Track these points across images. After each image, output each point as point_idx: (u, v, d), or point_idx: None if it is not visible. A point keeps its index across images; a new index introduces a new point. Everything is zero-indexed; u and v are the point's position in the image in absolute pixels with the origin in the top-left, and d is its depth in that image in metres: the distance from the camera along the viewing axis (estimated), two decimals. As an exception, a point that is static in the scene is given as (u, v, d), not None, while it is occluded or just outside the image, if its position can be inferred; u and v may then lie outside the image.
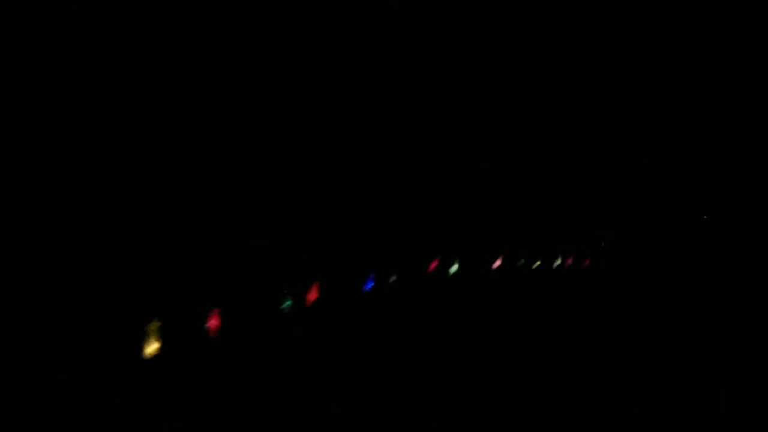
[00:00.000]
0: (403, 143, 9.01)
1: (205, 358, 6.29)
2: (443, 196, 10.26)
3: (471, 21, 8.87)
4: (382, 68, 7.84)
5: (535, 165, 12.18)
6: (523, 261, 12.01)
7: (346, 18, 7.49)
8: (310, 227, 7.91)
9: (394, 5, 8.02)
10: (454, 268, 10.47)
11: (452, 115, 9.58)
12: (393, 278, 9.01)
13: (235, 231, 7.00)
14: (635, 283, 13.35)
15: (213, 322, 6.42)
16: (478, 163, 10.92)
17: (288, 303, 7.20)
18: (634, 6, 10.02)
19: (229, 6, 6.22)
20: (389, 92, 8.20)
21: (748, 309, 10.89)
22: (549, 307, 10.76)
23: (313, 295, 7.65)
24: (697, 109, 12.54)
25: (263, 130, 6.79)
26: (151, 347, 5.88)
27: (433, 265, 9.95)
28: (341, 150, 8.10)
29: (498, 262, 11.56)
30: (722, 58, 11.32)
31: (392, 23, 8.08)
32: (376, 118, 8.20)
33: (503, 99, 10.32)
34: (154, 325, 5.94)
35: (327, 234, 8.15)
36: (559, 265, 13.05)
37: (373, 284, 8.38)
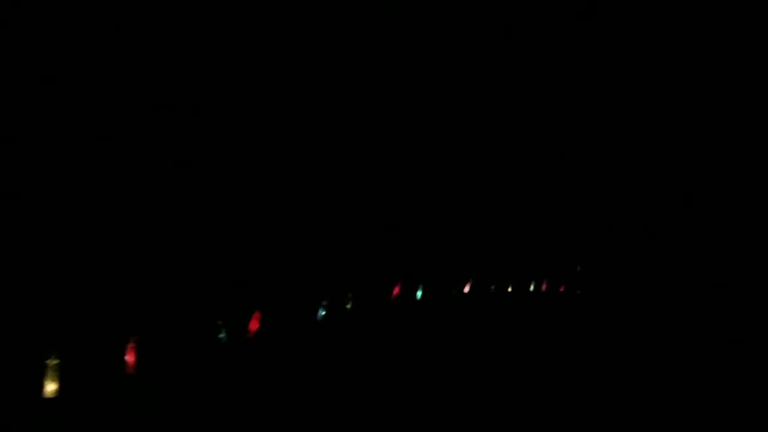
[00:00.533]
0: (363, 158, 8.36)
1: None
2: (407, 215, 9.24)
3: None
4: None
5: (508, 185, 11.55)
6: (494, 286, 11.21)
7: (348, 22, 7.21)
8: (257, 248, 7.01)
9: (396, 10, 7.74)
10: (419, 293, 9.41)
11: (416, 133, 9.03)
12: (349, 305, 7.94)
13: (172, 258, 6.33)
14: (613, 310, 12.65)
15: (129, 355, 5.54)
16: (444, 180, 10.14)
17: (223, 335, 6.12)
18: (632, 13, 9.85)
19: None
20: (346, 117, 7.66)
21: (732, 336, 10.48)
22: (522, 335, 10.03)
23: (254, 325, 6.57)
24: (670, 135, 12.32)
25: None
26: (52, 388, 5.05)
27: (396, 290, 8.90)
28: (292, 163, 7.44)
29: (467, 287, 10.57)
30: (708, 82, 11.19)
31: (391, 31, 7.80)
32: (332, 137, 7.62)
33: (474, 119, 9.89)
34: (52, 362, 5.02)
35: (275, 257, 7.11)
36: (533, 291, 12.16)
37: (324, 312, 7.28)
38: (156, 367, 5.63)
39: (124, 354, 5.42)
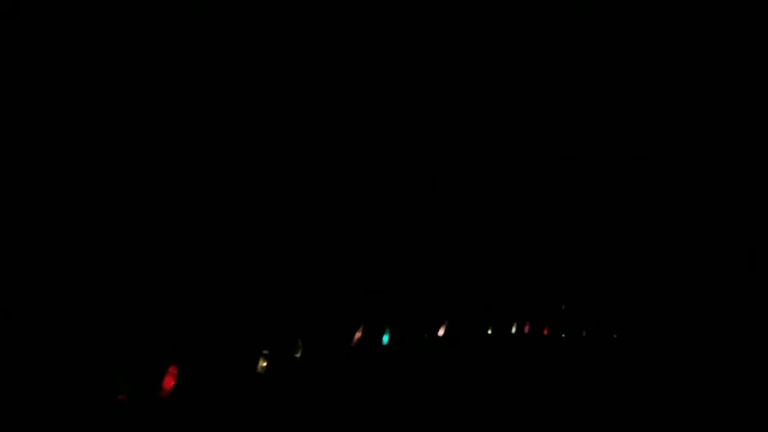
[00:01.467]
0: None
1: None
2: (369, 244, 7.86)
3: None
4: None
5: (486, 214, 10.29)
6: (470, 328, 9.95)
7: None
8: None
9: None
10: (386, 337, 7.97)
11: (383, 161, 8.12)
12: (298, 354, 6.47)
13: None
14: (604, 356, 12.10)
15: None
16: (417, 206, 8.84)
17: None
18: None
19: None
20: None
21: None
22: (504, 384, 9.08)
23: (169, 382, 5.10)
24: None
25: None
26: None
27: (357, 335, 7.45)
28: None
29: (442, 330, 9.23)
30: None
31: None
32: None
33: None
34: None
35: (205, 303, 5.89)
36: (515, 333, 10.96)
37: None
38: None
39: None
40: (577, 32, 9.29)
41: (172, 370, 5.08)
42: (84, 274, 5.08)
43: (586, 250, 12.28)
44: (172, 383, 5.09)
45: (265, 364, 6.04)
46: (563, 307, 12.47)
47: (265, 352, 6.00)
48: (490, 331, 10.35)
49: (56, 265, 5.01)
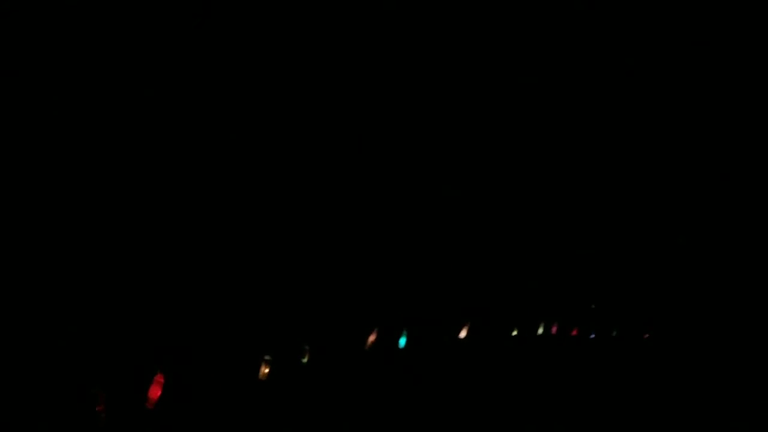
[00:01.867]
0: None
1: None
2: (384, 241, 7.37)
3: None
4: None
5: (509, 209, 9.84)
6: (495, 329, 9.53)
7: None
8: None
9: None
10: (403, 340, 7.44)
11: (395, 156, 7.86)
12: (305, 359, 5.97)
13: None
14: (633, 356, 11.51)
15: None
16: (434, 200, 8.38)
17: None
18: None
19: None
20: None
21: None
22: (529, 389, 8.66)
23: (155, 392, 4.61)
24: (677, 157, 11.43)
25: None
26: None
27: (371, 338, 6.94)
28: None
29: (463, 332, 8.68)
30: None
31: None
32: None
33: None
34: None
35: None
36: (542, 335, 10.40)
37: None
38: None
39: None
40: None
41: (158, 378, 4.60)
42: (63, 272, 4.62)
43: (616, 246, 11.78)
44: (159, 393, 4.60)
45: (267, 370, 5.55)
46: (593, 307, 11.88)
47: (267, 357, 5.50)
48: (515, 333, 9.90)
49: (33, 263, 4.60)
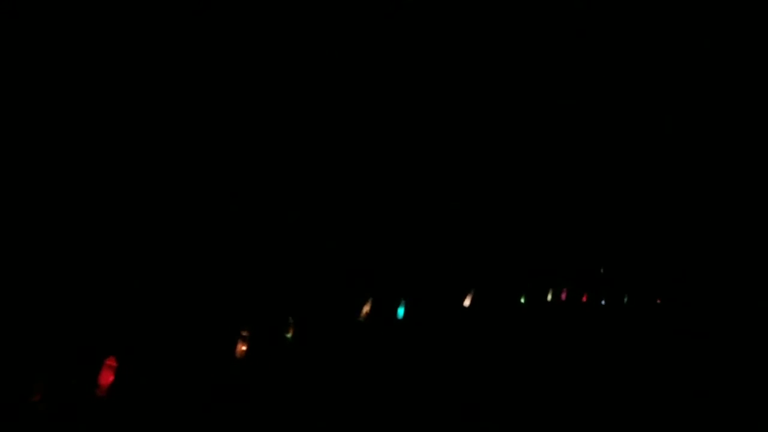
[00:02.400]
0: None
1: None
2: (378, 204, 6.68)
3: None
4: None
5: (514, 173, 9.34)
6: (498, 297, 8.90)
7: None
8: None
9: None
10: (401, 311, 6.74)
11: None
12: (289, 334, 5.22)
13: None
14: (646, 323, 11.27)
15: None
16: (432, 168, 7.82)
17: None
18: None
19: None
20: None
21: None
22: (539, 359, 8.05)
23: (106, 377, 3.86)
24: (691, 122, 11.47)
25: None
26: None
27: (366, 309, 6.21)
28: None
29: (467, 300, 8.04)
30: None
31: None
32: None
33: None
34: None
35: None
36: (550, 302, 9.87)
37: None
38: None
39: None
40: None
41: (110, 362, 3.85)
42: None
43: (626, 207, 11.45)
44: (111, 378, 3.86)
45: (244, 348, 4.81)
46: (601, 271, 11.46)
47: (245, 333, 4.76)
48: (523, 300, 9.33)
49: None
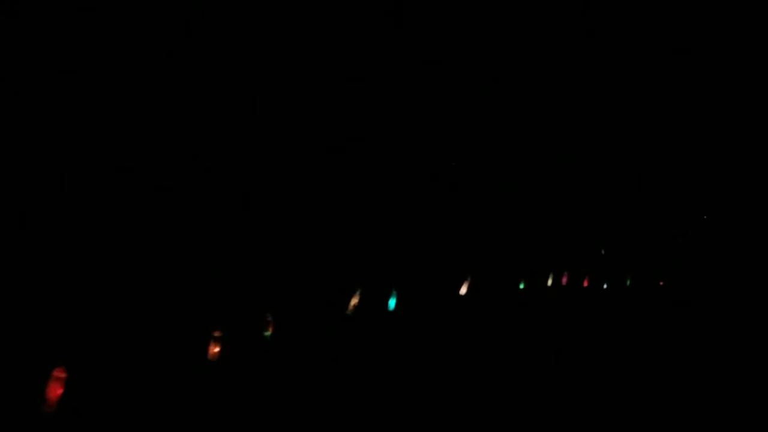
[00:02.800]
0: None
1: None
2: (355, 189, 6.31)
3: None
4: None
5: (512, 155, 9.11)
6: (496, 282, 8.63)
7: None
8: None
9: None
10: (392, 302, 6.33)
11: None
12: (268, 332, 4.74)
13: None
14: (649, 307, 11.06)
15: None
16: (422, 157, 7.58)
17: None
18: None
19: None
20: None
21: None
22: (540, 349, 7.75)
23: (54, 390, 3.37)
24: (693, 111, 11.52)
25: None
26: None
27: (354, 301, 5.76)
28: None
29: (464, 288, 7.70)
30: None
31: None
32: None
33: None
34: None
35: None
36: (550, 287, 9.63)
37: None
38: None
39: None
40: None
41: (58, 373, 3.36)
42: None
43: (626, 185, 11.24)
44: (59, 392, 3.36)
45: (217, 350, 4.32)
46: (602, 253, 11.23)
47: (217, 333, 4.28)
48: (522, 286, 9.05)
49: None
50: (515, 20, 8.52)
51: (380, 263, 6.19)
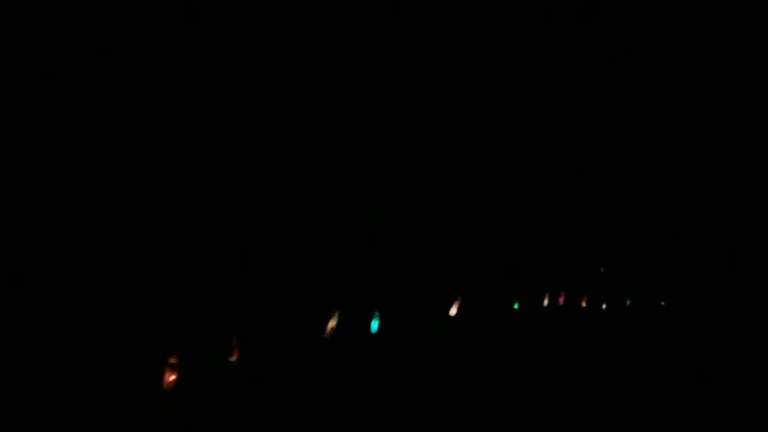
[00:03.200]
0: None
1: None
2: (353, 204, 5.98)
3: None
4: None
5: (505, 163, 8.95)
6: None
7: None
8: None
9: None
10: (374, 324, 6.04)
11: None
12: (233, 357, 4.32)
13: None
14: (650, 328, 10.96)
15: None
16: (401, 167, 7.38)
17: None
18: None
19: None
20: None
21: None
22: (534, 372, 7.64)
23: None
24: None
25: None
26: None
27: (331, 324, 5.37)
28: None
29: (454, 309, 7.47)
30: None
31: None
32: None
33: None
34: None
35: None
36: (546, 307, 9.48)
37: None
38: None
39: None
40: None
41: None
42: None
43: (627, 201, 11.09)
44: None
45: (173, 378, 3.89)
46: (602, 271, 11.12)
47: (173, 360, 3.86)
48: (516, 306, 8.87)
49: None
50: (516, 20, 8.45)
51: (361, 281, 5.86)
